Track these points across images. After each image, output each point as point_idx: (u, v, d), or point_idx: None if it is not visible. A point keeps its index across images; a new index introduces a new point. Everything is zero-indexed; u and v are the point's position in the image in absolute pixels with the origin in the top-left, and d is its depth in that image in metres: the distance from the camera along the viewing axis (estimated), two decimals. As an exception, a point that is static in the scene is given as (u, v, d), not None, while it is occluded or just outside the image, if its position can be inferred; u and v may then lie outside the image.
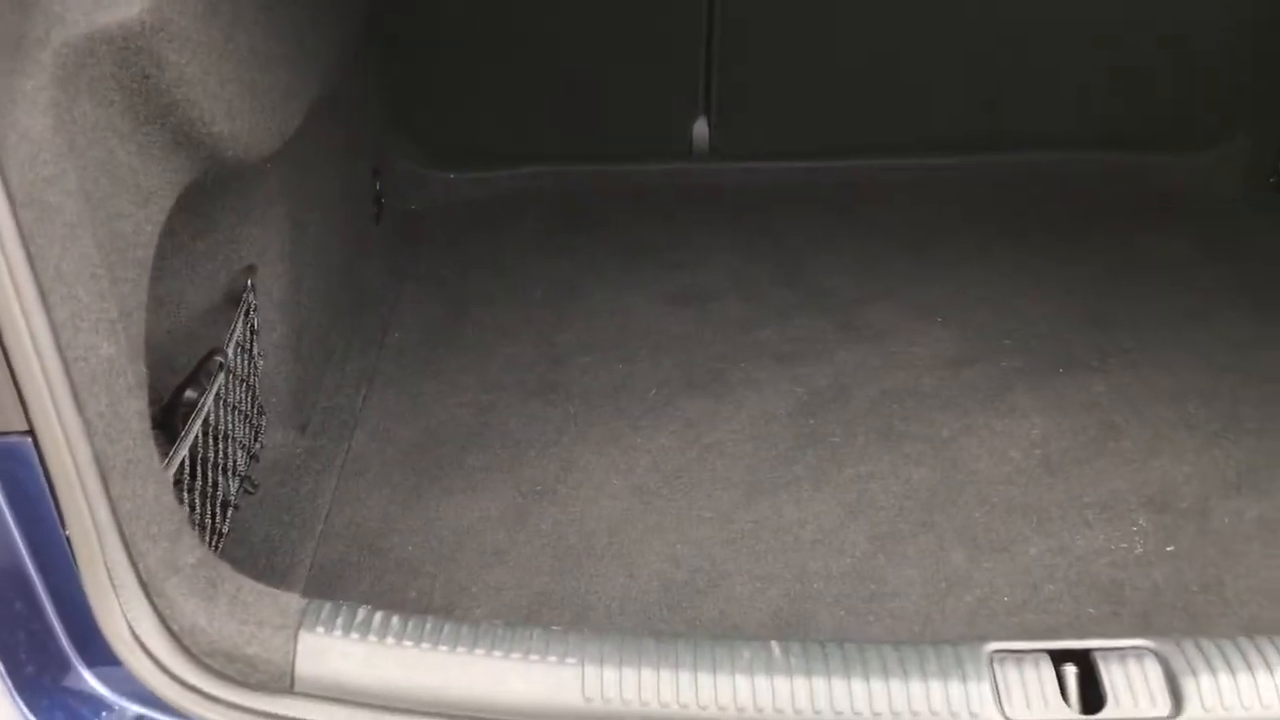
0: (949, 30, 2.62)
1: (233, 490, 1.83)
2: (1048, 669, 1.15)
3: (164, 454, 1.54)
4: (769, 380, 2.20)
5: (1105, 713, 1.12)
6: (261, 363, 1.98)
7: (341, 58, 2.14)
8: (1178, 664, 1.14)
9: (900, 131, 2.79)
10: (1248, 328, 2.29)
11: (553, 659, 1.15)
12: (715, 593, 1.74)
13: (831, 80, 2.70)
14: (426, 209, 2.79)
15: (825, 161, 2.84)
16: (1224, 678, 1.12)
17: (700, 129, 2.81)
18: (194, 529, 1.51)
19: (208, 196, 1.84)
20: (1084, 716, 1.11)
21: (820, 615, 1.70)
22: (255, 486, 1.93)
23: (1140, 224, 2.64)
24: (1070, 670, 1.15)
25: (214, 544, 1.73)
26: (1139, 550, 1.79)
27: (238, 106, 1.54)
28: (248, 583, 1.24)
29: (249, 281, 1.91)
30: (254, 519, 1.87)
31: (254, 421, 1.96)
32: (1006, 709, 1.12)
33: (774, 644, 1.17)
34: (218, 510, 1.75)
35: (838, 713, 1.12)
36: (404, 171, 2.75)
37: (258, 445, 1.98)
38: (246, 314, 1.92)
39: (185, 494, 1.64)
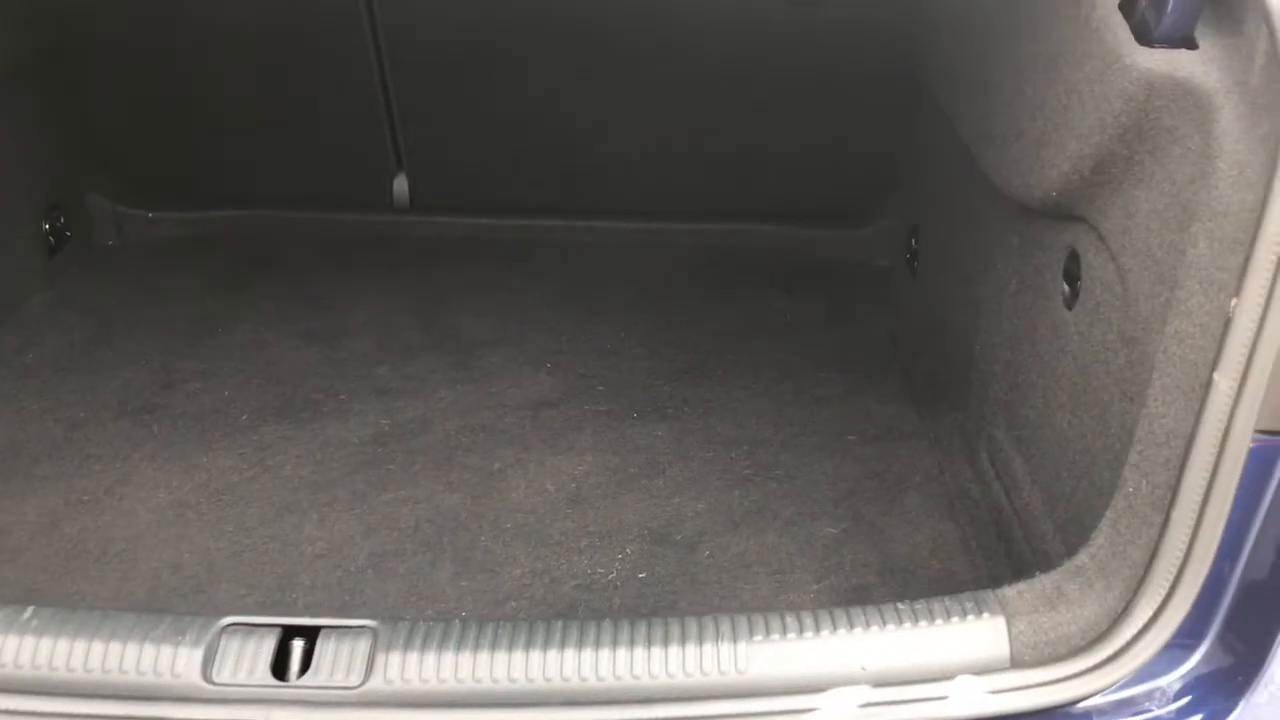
0: (625, 105, 2.78)
1: None
2: (270, 641, 1.25)
3: None
4: (360, 412, 2.31)
5: (304, 680, 1.22)
6: None
7: None
8: (384, 641, 1.24)
9: (581, 196, 2.94)
10: (829, 385, 2.42)
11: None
12: (196, 597, 1.84)
13: (515, 146, 2.85)
14: (121, 246, 2.92)
15: (513, 219, 2.99)
16: (412, 655, 1.22)
17: (401, 184, 2.96)
18: None
19: None
20: (277, 682, 1.21)
21: (285, 621, 1.80)
22: None
23: (786, 290, 2.78)
24: (298, 644, 1.25)
25: None
26: (611, 575, 1.89)
27: None
28: None
29: None
30: None
31: None
32: (211, 673, 1.22)
33: (30, 608, 1.27)
34: None
35: (53, 668, 1.21)
36: (97, 207, 2.89)
37: None
38: None
39: None
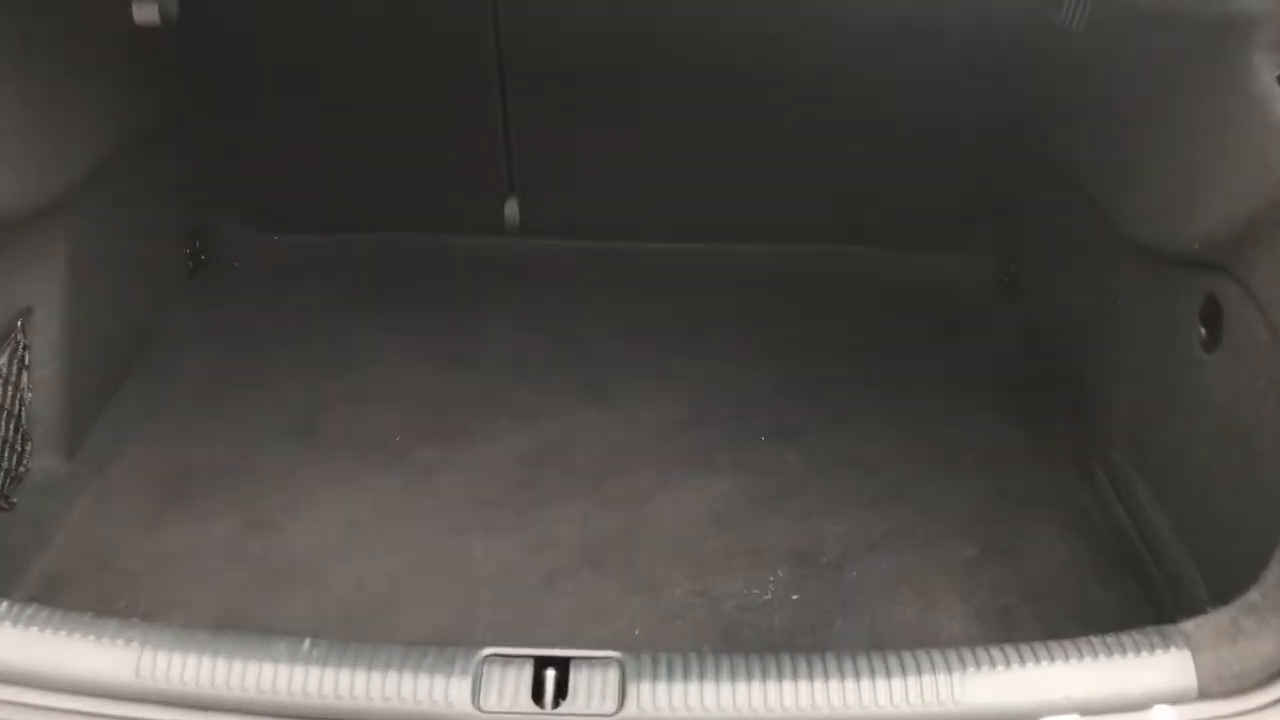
0: (729, 131, 2.89)
1: (-20, 504, 2.08)
2: (527, 671, 1.37)
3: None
4: (507, 434, 2.45)
5: (562, 708, 1.35)
6: (30, 395, 2.22)
7: (133, 129, 2.41)
8: (632, 672, 1.37)
9: (685, 219, 3.06)
10: (943, 405, 2.55)
11: (119, 641, 1.38)
12: (387, 614, 1.98)
13: (623, 173, 2.98)
14: (250, 267, 3.05)
15: (622, 242, 3.11)
16: (660, 685, 1.35)
17: (512, 207, 3.09)
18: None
19: None
20: (538, 709, 1.34)
21: (472, 639, 1.93)
22: (10, 503, 2.16)
23: (887, 314, 2.90)
24: (550, 674, 1.38)
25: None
26: (768, 596, 2.03)
27: None
28: None
29: (19, 322, 2.17)
30: (1, 531, 2.11)
31: (16, 446, 2.20)
32: (480, 701, 1.35)
33: (306, 640, 1.40)
34: (-45, 519, 2.00)
35: (339, 697, 1.35)
36: (228, 231, 3.03)
37: (21, 468, 2.22)
38: (14, 351, 2.18)
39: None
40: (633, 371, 2.66)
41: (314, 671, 1.35)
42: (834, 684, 1.34)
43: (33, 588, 1.99)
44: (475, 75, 2.75)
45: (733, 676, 1.35)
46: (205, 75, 2.77)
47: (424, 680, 1.34)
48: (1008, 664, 1.37)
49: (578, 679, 1.37)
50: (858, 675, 1.35)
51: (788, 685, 1.34)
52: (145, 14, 1.77)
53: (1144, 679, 1.37)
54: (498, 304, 2.92)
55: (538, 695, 1.37)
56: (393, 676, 1.35)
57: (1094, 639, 1.42)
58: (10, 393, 2.17)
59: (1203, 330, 1.90)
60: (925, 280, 3.01)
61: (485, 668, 1.37)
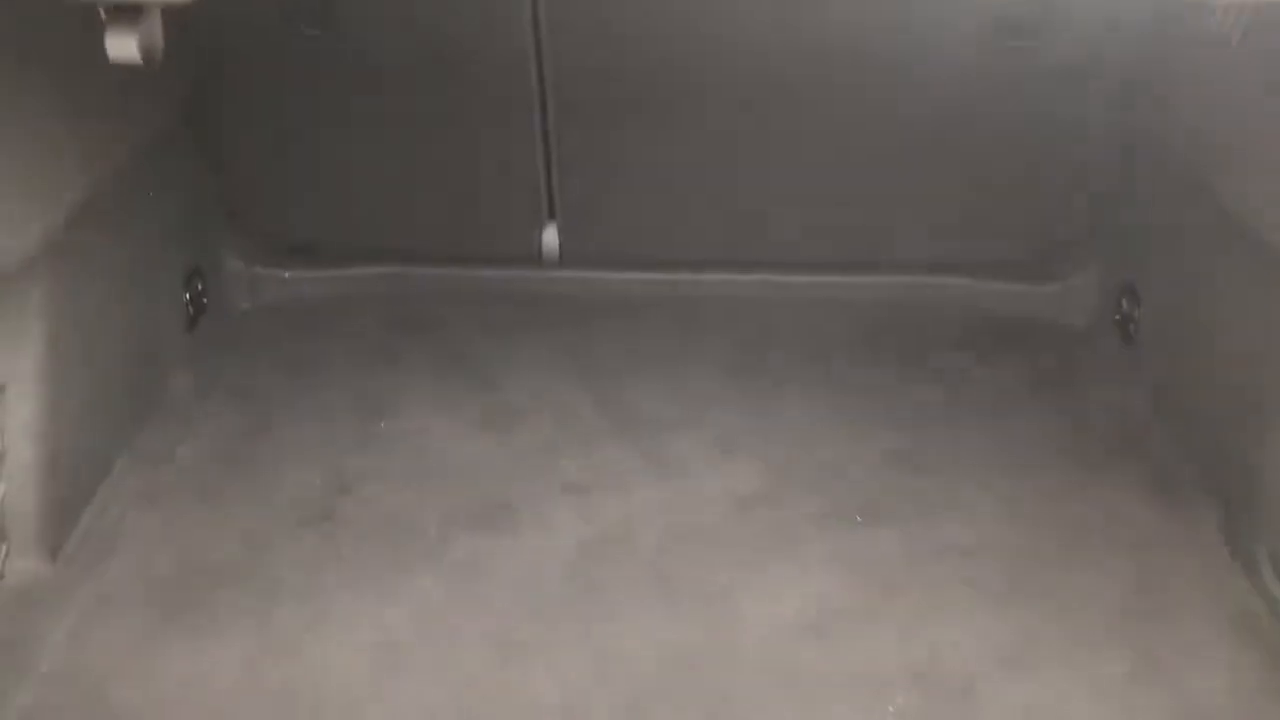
0: (793, 150, 2.55)
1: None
2: None
3: None
4: (557, 516, 2.11)
5: None
6: (2, 487, 1.90)
7: (115, 165, 2.08)
8: None
9: (745, 249, 2.72)
10: (1059, 475, 2.20)
11: None
12: (431, 768, 1.66)
13: (675, 197, 2.63)
14: (259, 309, 2.71)
15: (671, 274, 2.77)
16: None
17: (550, 237, 2.75)
18: None
19: None
20: None
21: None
22: (-16, 622, 1.85)
23: (980, 355, 2.55)
24: None
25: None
26: (887, 733, 1.71)
27: None
28: None
29: (-10, 405, 1.85)
30: (-26, 657, 1.79)
31: (-11, 551, 1.89)
32: None
33: None
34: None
35: None
36: (233, 270, 2.69)
37: (-5, 575, 1.91)
38: (-16, 438, 1.86)
39: None
40: (690, 434, 2.31)
41: None
42: None
43: (10, 734, 1.68)
44: (512, 92, 2.40)
45: None
46: (204, 92, 2.44)
47: None
48: None
49: None
50: None
51: None
52: (121, 50, 1.43)
53: None
54: (536, 349, 2.58)
55: None
56: None
57: None
58: (-20, 489, 1.85)
59: None
60: (1016, 315, 2.66)
61: None
